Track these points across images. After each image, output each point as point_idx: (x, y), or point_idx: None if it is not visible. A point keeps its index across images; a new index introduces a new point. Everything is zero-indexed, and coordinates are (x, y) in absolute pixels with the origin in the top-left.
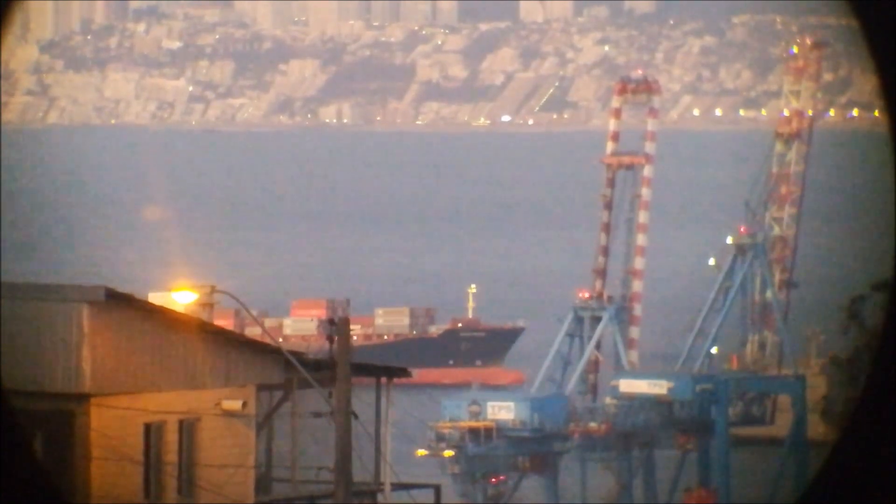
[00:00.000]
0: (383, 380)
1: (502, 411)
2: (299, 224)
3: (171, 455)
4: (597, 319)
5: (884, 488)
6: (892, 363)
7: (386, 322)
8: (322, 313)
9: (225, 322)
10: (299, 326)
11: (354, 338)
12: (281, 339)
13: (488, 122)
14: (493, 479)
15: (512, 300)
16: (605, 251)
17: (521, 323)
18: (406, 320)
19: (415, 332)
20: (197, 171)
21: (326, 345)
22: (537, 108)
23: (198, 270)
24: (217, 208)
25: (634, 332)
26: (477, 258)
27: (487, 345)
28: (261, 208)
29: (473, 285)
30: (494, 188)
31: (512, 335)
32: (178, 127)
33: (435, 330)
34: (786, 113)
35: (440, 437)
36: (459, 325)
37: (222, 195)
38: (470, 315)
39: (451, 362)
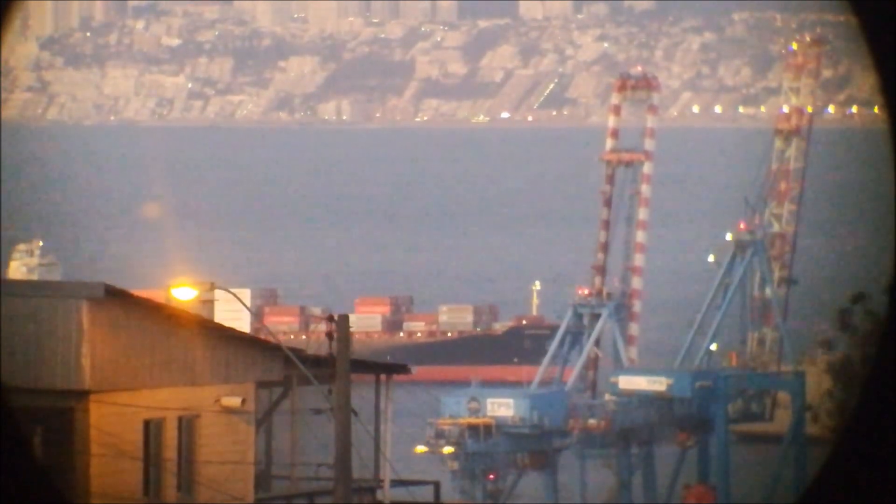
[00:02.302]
0: (383, 377)
1: (502, 408)
2: (318, 222)
3: (170, 452)
4: (596, 316)
5: (884, 488)
6: (891, 364)
7: (450, 319)
8: (386, 310)
9: (290, 319)
10: (363, 323)
11: (418, 334)
12: None
13: (488, 118)
14: (491, 476)
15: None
16: (605, 248)
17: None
18: (470, 317)
19: (479, 329)
20: (196, 167)
21: (389, 341)
22: (537, 105)
23: (251, 269)
24: (220, 205)
25: (634, 328)
26: (486, 255)
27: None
28: (272, 206)
29: (538, 282)
30: (494, 185)
31: None
32: (178, 124)
33: (499, 327)
34: (785, 110)
35: (440, 434)
36: (524, 322)
37: (225, 192)
38: (534, 312)
39: (515, 360)
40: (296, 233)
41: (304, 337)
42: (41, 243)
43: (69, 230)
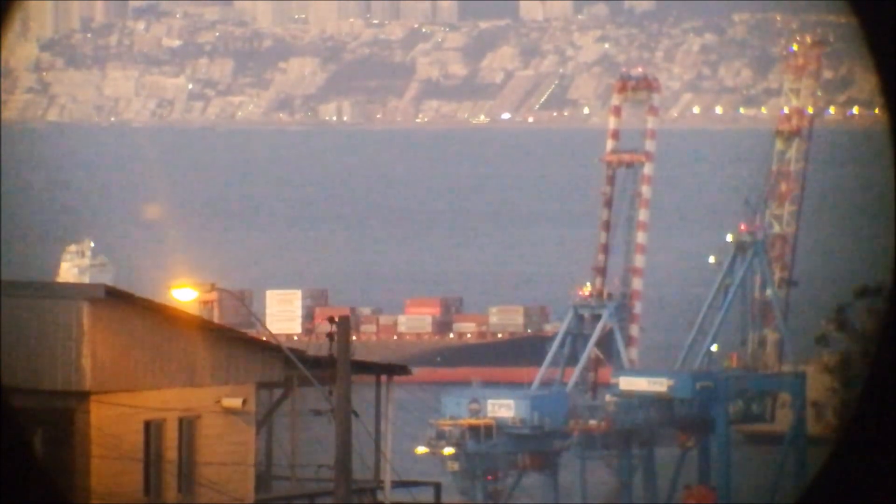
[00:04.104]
0: (383, 378)
1: (502, 409)
2: (344, 223)
3: (171, 453)
4: (597, 317)
5: (884, 488)
6: (891, 364)
7: (500, 320)
8: (436, 311)
9: None
10: (414, 324)
11: (468, 335)
12: (395, 336)
13: (488, 119)
14: (490, 476)
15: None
16: (605, 249)
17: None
18: (520, 319)
19: (529, 331)
20: (196, 169)
21: (439, 342)
22: (537, 106)
23: (303, 270)
24: (226, 207)
25: (634, 329)
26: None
27: (603, 344)
28: (295, 206)
29: (588, 284)
30: (494, 186)
31: None
32: (178, 125)
33: (550, 328)
34: (786, 111)
35: (440, 435)
36: None
37: (229, 193)
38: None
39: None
40: (328, 234)
41: (353, 338)
42: (92, 244)
43: (114, 231)
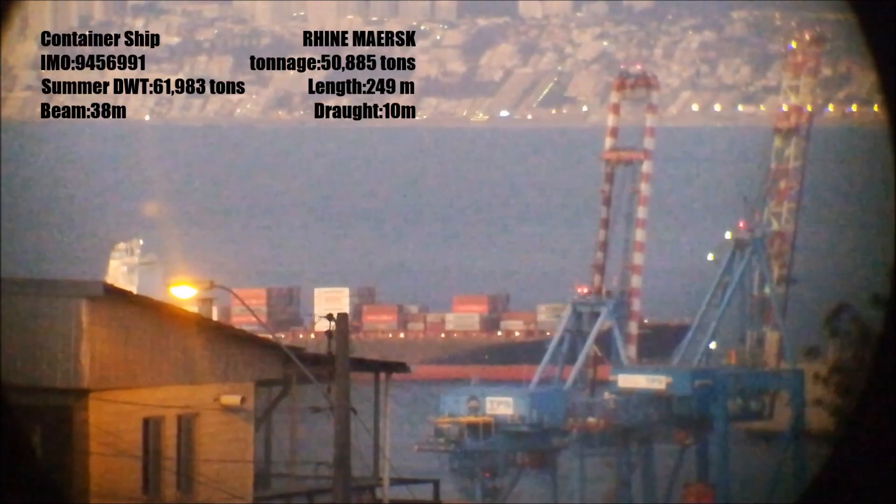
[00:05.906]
0: (382, 375)
1: (501, 406)
2: (376, 220)
3: (169, 450)
4: (595, 315)
5: (884, 488)
6: (892, 365)
7: (548, 318)
8: (483, 309)
9: (388, 317)
10: (461, 322)
11: (516, 333)
12: (443, 335)
13: (487, 117)
14: (488, 474)
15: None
16: (604, 246)
17: (686, 320)
18: None
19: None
20: (196, 166)
21: (486, 340)
22: (536, 104)
23: (350, 267)
24: (233, 204)
25: (633, 327)
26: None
27: (653, 342)
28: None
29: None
30: (493, 184)
31: (679, 332)
32: (177, 122)
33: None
34: (784, 108)
35: (439, 433)
36: None
37: (235, 191)
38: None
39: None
40: (372, 231)
41: (401, 335)
42: (141, 242)
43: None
